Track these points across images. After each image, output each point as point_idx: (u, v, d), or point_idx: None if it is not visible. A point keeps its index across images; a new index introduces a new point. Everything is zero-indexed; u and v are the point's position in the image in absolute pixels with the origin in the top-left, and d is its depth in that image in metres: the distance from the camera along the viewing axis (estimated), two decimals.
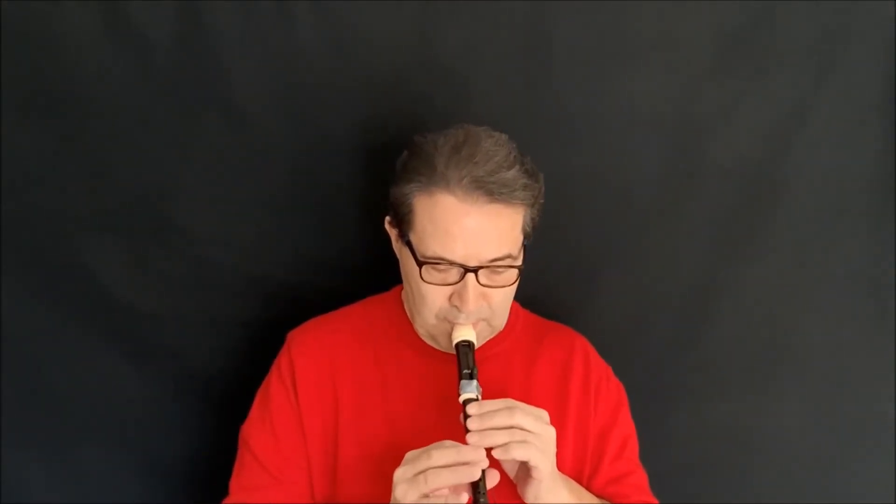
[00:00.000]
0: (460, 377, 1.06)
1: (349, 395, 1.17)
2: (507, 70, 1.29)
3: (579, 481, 1.19)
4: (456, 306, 1.08)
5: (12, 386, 1.32)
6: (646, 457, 1.28)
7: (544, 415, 1.06)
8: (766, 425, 1.48)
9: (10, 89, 1.21)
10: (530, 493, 1.06)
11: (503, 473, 1.05)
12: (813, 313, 1.44)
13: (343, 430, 1.16)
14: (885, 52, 1.32)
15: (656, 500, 1.24)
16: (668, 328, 1.43)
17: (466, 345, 1.09)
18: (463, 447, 0.99)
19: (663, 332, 1.44)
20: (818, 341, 1.45)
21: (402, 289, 1.22)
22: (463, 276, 1.06)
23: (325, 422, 1.17)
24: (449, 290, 1.08)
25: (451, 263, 1.06)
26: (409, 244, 1.09)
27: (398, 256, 1.16)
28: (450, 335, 1.11)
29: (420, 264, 1.07)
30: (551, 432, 1.05)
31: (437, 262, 1.06)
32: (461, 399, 1.05)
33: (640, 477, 1.25)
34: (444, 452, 0.99)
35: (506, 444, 1.00)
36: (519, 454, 1.01)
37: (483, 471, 0.98)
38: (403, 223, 1.10)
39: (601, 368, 1.26)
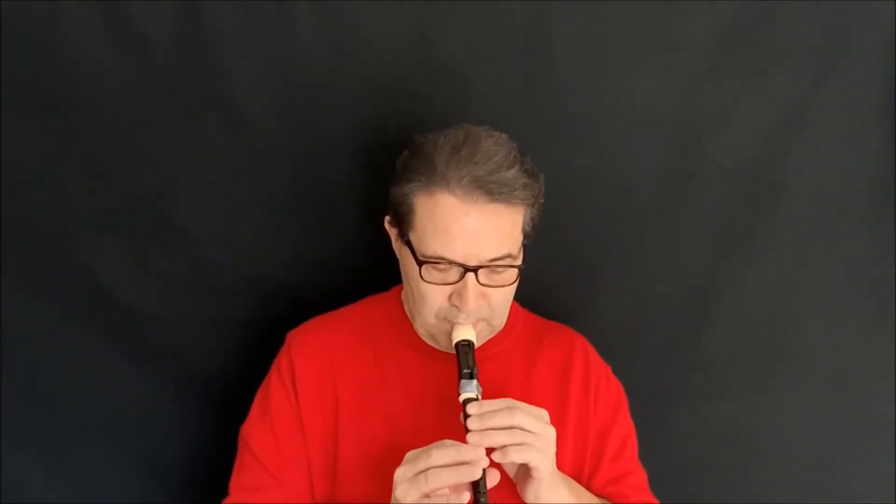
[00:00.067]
0: (460, 377, 1.06)
1: (349, 395, 1.17)
2: (507, 70, 1.29)
3: (579, 481, 1.19)
4: (456, 306, 1.08)
5: (12, 386, 1.32)
6: (646, 457, 1.28)
7: (544, 414, 1.06)
8: (766, 425, 1.48)
9: (10, 89, 1.21)
10: (530, 493, 1.06)
11: (503, 473, 1.04)
12: (813, 313, 1.44)
13: (343, 430, 1.16)
14: (885, 52, 1.32)
15: (656, 500, 1.24)
16: (668, 328, 1.43)
17: (466, 344, 1.09)
18: (463, 446, 0.99)
19: (663, 332, 1.44)
20: (818, 341, 1.45)
21: (402, 289, 1.22)
22: (463, 276, 1.06)
23: (325, 422, 1.17)
24: (449, 289, 1.08)
25: (451, 263, 1.06)
26: (409, 244, 1.09)
27: (398, 256, 1.16)
28: (450, 335, 1.11)
29: (420, 264, 1.07)
30: (551, 432, 1.05)
31: (437, 261, 1.06)
32: (461, 399, 1.05)
33: (640, 477, 1.25)
34: (444, 452, 0.99)
35: (504, 447, 1.01)
36: (518, 457, 1.01)
37: (483, 470, 0.98)
38: (403, 223, 1.10)
39: (601, 368, 1.26)
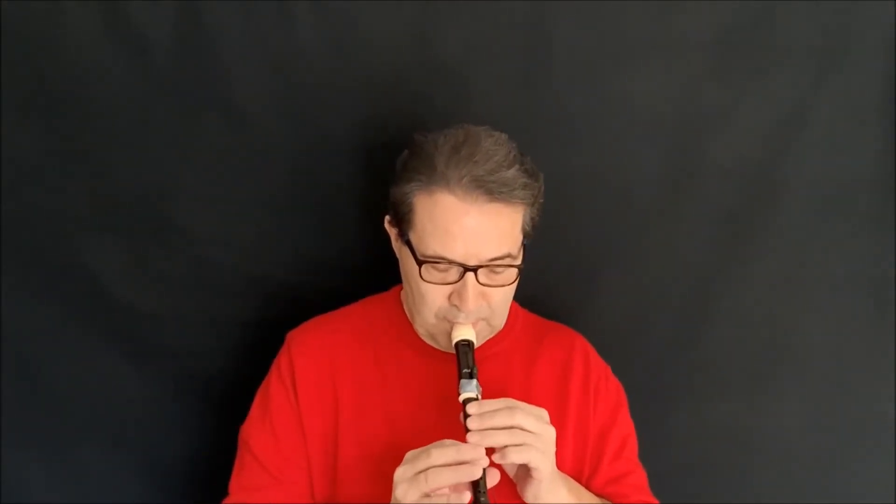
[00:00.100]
0: (460, 376, 1.06)
1: (349, 394, 1.17)
2: (507, 70, 1.29)
3: (578, 481, 1.19)
4: (455, 305, 1.08)
5: (12, 386, 1.32)
6: (646, 457, 1.28)
7: (544, 414, 1.06)
8: (766, 425, 1.48)
9: (10, 89, 1.21)
10: (530, 493, 1.06)
11: (503, 473, 1.04)
12: (813, 313, 1.44)
13: (343, 430, 1.16)
14: (885, 52, 1.32)
15: (656, 500, 1.24)
16: (668, 328, 1.43)
17: (466, 344, 1.09)
18: (463, 446, 0.99)
19: (663, 332, 1.44)
20: (818, 341, 1.45)
21: (402, 289, 1.22)
22: (462, 276, 1.06)
23: (324, 422, 1.17)
24: (448, 289, 1.08)
25: (451, 262, 1.06)
26: (408, 243, 1.09)
27: (398, 256, 1.16)
28: (449, 334, 1.11)
29: (420, 263, 1.07)
30: (551, 432, 1.05)
31: (436, 261, 1.06)
32: (461, 398, 1.05)
33: (640, 477, 1.25)
34: (443, 451, 0.99)
35: (503, 449, 1.01)
36: (517, 458, 1.01)
37: (483, 470, 0.98)
38: (403, 222, 1.10)
39: (601, 368, 1.26)
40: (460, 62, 1.27)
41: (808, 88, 1.33)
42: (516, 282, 1.11)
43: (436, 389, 1.15)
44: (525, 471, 1.05)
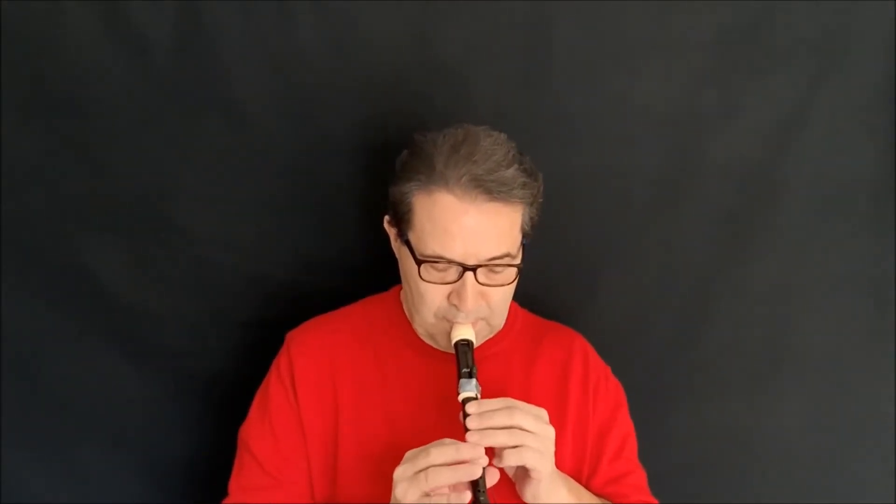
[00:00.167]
0: (459, 376, 1.06)
1: (349, 395, 1.17)
2: (507, 70, 1.29)
3: (578, 481, 1.19)
4: (455, 305, 1.08)
5: (12, 386, 1.32)
6: (646, 457, 1.28)
7: (543, 414, 1.06)
8: (766, 425, 1.48)
9: (10, 89, 1.21)
10: (529, 493, 1.06)
11: (503, 472, 1.04)
12: (813, 313, 1.44)
13: (343, 430, 1.16)
14: (885, 52, 1.32)
15: (655, 500, 1.24)
16: (668, 328, 1.43)
17: (465, 343, 1.09)
18: (462, 445, 0.99)
19: (663, 332, 1.44)
20: (818, 341, 1.45)
21: (402, 289, 1.22)
22: (462, 275, 1.06)
23: (324, 422, 1.17)
24: (448, 288, 1.08)
25: (450, 262, 1.06)
26: (408, 243, 1.09)
27: (397, 256, 1.16)
28: (449, 334, 1.11)
29: (419, 263, 1.07)
30: (550, 432, 1.05)
31: (435, 260, 1.06)
32: (460, 398, 1.05)
33: (639, 476, 1.25)
34: (443, 450, 0.99)
35: (500, 452, 1.01)
36: (514, 461, 1.01)
37: (483, 469, 0.98)
38: (402, 222, 1.10)
39: (600, 368, 1.26)
40: (460, 62, 1.27)
41: (808, 88, 1.33)
42: (515, 281, 1.11)
43: (436, 389, 1.15)
44: (524, 471, 1.05)
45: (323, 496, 1.17)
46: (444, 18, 1.25)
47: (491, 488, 1.00)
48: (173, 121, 1.25)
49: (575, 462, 1.20)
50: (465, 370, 1.06)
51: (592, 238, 1.39)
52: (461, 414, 1.04)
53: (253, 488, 1.16)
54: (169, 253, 1.31)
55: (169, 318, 1.34)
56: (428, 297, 1.09)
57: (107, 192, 1.28)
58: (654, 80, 1.31)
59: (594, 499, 1.18)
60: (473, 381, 1.06)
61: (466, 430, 1.01)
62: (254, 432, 1.18)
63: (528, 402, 1.05)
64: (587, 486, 1.20)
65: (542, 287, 1.33)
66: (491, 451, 1.02)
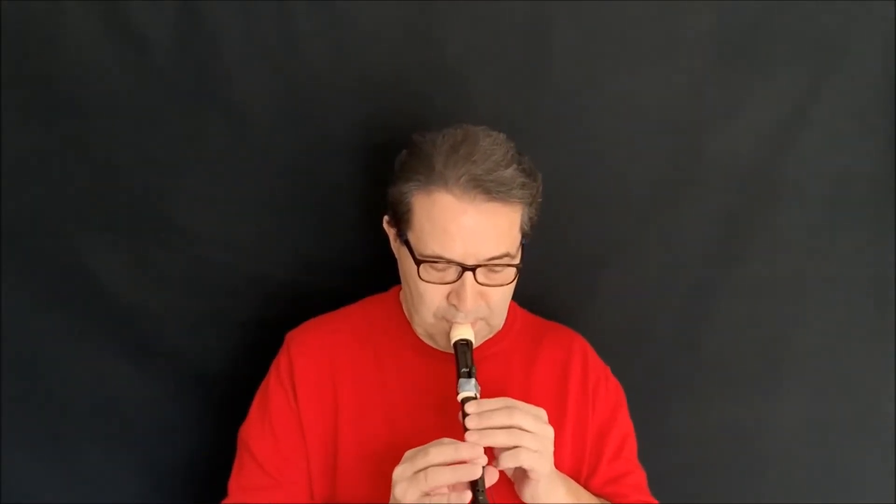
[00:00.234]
0: (459, 376, 1.06)
1: (349, 395, 1.17)
2: (507, 70, 1.29)
3: (577, 481, 1.19)
4: (454, 305, 1.08)
5: (12, 386, 1.32)
6: (646, 457, 1.27)
7: (543, 414, 1.06)
8: (766, 425, 1.48)
9: (10, 89, 1.21)
10: (528, 494, 1.06)
11: (502, 472, 1.04)
12: (813, 313, 1.44)
13: (343, 430, 1.16)
14: (885, 52, 1.32)
15: (655, 500, 1.24)
16: (668, 328, 1.43)
17: (465, 343, 1.09)
18: (461, 445, 0.99)
19: (663, 332, 1.43)
20: (818, 341, 1.45)
21: (401, 289, 1.22)
22: (461, 275, 1.06)
23: (324, 422, 1.17)
24: (447, 288, 1.08)
25: (450, 262, 1.06)
26: (407, 243, 1.09)
27: (396, 256, 1.16)
28: (448, 334, 1.11)
29: (418, 263, 1.07)
30: (550, 432, 1.05)
31: (435, 260, 1.06)
32: (460, 398, 1.05)
33: (639, 477, 1.25)
34: (442, 450, 0.99)
35: (498, 454, 1.01)
36: (512, 462, 1.01)
37: (482, 468, 0.98)
38: (402, 222, 1.10)
39: (600, 368, 1.26)
40: (460, 62, 1.27)
41: (808, 88, 1.33)
42: (515, 281, 1.11)
43: (435, 389, 1.15)
44: (523, 471, 1.05)
45: (323, 496, 1.17)
46: (444, 18, 1.25)
47: (490, 488, 0.99)
48: (173, 121, 1.25)
49: (574, 462, 1.19)
50: (464, 370, 1.06)
51: (592, 238, 1.38)
52: (460, 414, 1.03)
53: (253, 488, 1.16)
54: (169, 253, 1.31)
55: (169, 318, 1.34)
56: (427, 297, 1.09)
57: (107, 192, 1.28)
58: (654, 80, 1.31)
59: (593, 499, 1.18)
60: (473, 380, 1.06)
61: (466, 429, 1.01)
62: (254, 432, 1.18)
63: (528, 402, 1.05)
64: (586, 486, 1.20)
65: (542, 287, 1.33)
66: (490, 451, 1.02)
